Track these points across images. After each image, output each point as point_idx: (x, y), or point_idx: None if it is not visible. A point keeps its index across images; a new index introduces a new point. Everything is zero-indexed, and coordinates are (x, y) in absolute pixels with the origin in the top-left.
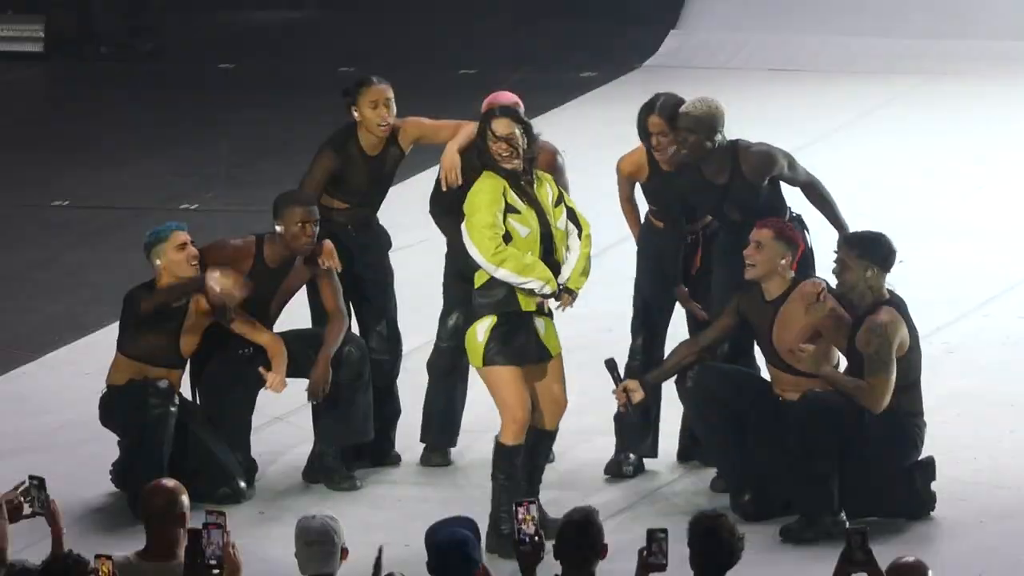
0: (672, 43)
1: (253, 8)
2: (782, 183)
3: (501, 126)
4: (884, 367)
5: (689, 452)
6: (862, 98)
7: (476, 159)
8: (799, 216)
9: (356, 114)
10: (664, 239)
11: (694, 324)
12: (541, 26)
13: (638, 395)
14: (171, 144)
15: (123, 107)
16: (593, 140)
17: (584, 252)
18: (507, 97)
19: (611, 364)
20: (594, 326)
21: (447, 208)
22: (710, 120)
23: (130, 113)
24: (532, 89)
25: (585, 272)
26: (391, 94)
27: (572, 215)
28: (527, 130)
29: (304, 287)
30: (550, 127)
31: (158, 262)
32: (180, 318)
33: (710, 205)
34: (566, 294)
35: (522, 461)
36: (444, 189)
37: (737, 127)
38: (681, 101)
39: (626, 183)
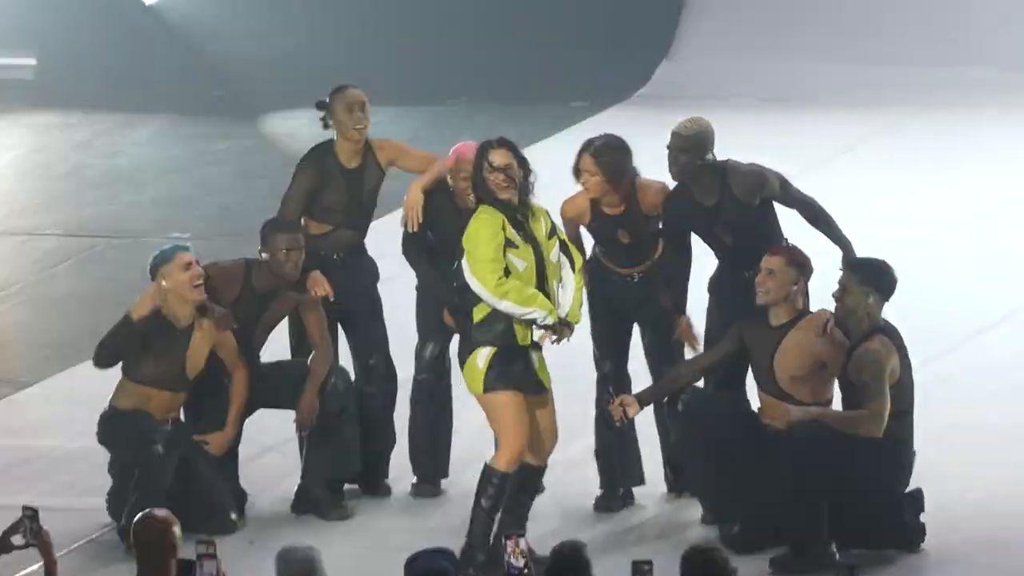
0: (663, 73)
1: (241, 37)
2: (778, 206)
3: (499, 156)
4: (880, 392)
5: (676, 482)
6: (853, 128)
7: (473, 191)
8: (794, 246)
9: (332, 123)
10: (613, 281)
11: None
12: (531, 55)
13: (633, 409)
14: (162, 171)
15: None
16: None
17: (579, 285)
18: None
19: (605, 379)
20: (580, 357)
21: (416, 245)
22: (701, 139)
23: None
24: (522, 119)
25: (582, 303)
26: (366, 99)
27: (564, 248)
28: (523, 163)
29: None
30: (540, 157)
31: (164, 283)
32: (186, 340)
33: (701, 228)
34: (564, 327)
35: (509, 495)
36: (403, 229)
37: (727, 156)
38: (618, 143)
39: (570, 226)
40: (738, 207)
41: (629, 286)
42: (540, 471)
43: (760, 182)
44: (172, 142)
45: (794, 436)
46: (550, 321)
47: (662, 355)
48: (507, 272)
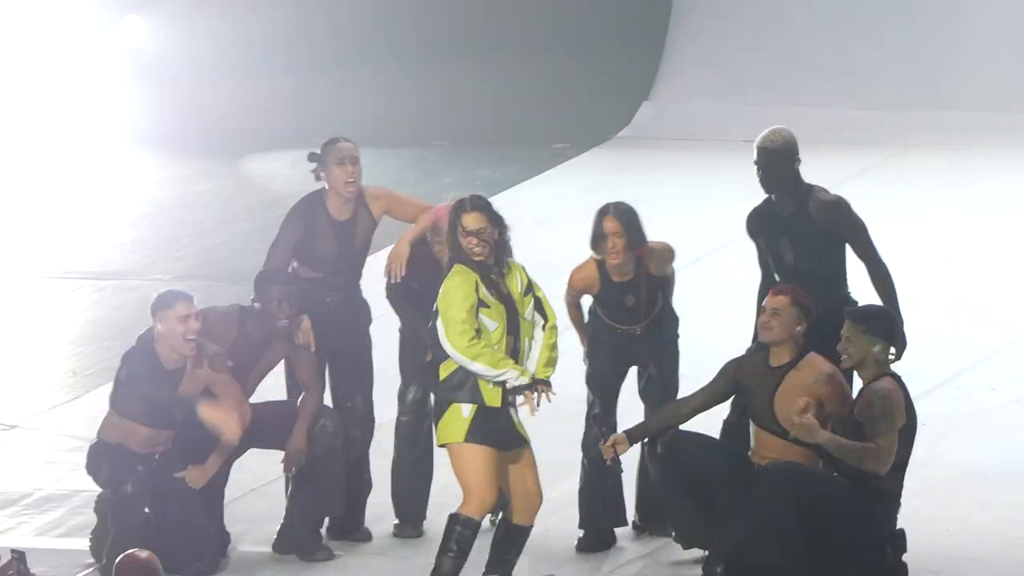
0: (645, 114)
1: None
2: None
3: (471, 220)
4: (889, 428)
5: (648, 519)
6: (835, 169)
7: (448, 251)
8: (856, 301)
9: (323, 175)
10: (616, 335)
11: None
12: (513, 97)
13: (624, 447)
14: (152, 211)
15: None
16: (565, 212)
17: (548, 342)
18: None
19: (596, 419)
20: (565, 397)
21: (400, 293)
22: (788, 149)
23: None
24: (505, 160)
25: (551, 363)
26: (358, 153)
27: (539, 306)
28: (497, 222)
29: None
30: (522, 199)
31: (159, 327)
32: (175, 381)
33: (770, 239)
34: (541, 384)
35: (494, 551)
36: (387, 279)
37: (710, 199)
38: (631, 207)
39: (574, 295)
40: (809, 225)
41: (632, 338)
42: (525, 530)
43: (837, 212)
44: (153, 183)
45: (772, 473)
46: (523, 382)
47: (659, 399)
48: (479, 333)
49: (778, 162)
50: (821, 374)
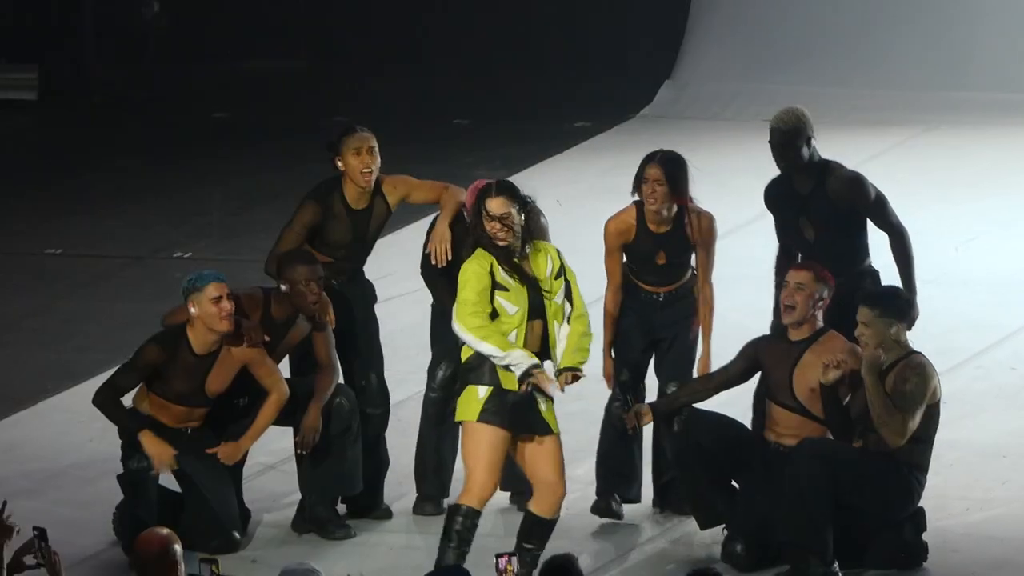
0: (666, 93)
1: (246, 58)
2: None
3: (495, 205)
4: (916, 405)
5: (663, 497)
6: (856, 149)
7: (470, 234)
8: (876, 271)
9: (340, 164)
10: (639, 297)
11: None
12: (535, 76)
13: (647, 418)
14: (164, 193)
15: (116, 155)
16: (586, 191)
17: (576, 330)
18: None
19: (623, 386)
20: (590, 378)
21: (438, 272)
22: (800, 128)
23: (123, 161)
24: (525, 139)
25: (580, 349)
26: (375, 143)
27: (568, 292)
28: (524, 206)
29: None
30: (543, 178)
31: (193, 310)
32: (207, 366)
33: (789, 217)
34: (567, 372)
35: (518, 542)
36: (433, 263)
37: (731, 178)
38: (680, 156)
39: (613, 240)
40: (827, 204)
41: (653, 303)
42: (546, 524)
43: (855, 188)
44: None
45: (803, 453)
46: (526, 366)
47: (673, 373)
48: (496, 315)
49: (790, 141)
50: (841, 351)
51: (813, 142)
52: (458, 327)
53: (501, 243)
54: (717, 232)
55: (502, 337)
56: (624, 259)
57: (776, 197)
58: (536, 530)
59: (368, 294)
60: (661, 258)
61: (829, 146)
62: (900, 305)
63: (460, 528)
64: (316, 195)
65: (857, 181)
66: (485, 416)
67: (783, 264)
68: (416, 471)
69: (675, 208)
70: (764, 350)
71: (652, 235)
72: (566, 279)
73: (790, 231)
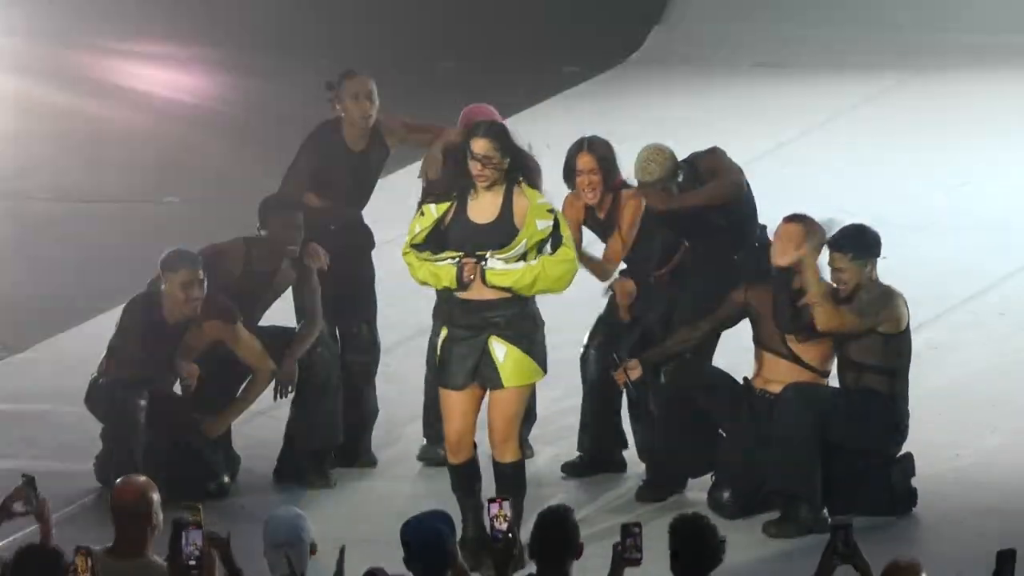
0: (656, 38)
1: None
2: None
3: (479, 146)
4: (864, 309)
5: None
6: (846, 93)
7: (452, 169)
8: (764, 226)
9: (338, 107)
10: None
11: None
12: (522, 20)
13: (636, 372)
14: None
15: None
16: (575, 137)
17: (528, 268)
18: (483, 111)
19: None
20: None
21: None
22: (672, 167)
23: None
24: (512, 84)
25: (508, 273)
26: (373, 87)
27: (556, 243)
28: (509, 151)
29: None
30: (531, 124)
31: (164, 286)
32: (176, 336)
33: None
34: (475, 263)
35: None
36: (419, 178)
37: (721, 122)
38: (607, 143)
39: (570, 217)
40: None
41: (649, 287)
42: (499, 467)
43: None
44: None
45: (789, 398)
46: (455, 261)
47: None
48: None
49: (664, 180)
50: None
51: (679, 178)
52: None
53: (481, 184)
54: (640, 212)
55: (429, 259)
56: None
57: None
58: (498, 478)
59: (366, 242)
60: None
61: (816, 90)
62: (869, 241)
63: (452, 486)
64: (316, 138)
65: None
66: (441, 378)
67: None
68: (424, 417)
69: (610, 195)
70: (753, 295)
71: (599, 222)
72: (562, 233)
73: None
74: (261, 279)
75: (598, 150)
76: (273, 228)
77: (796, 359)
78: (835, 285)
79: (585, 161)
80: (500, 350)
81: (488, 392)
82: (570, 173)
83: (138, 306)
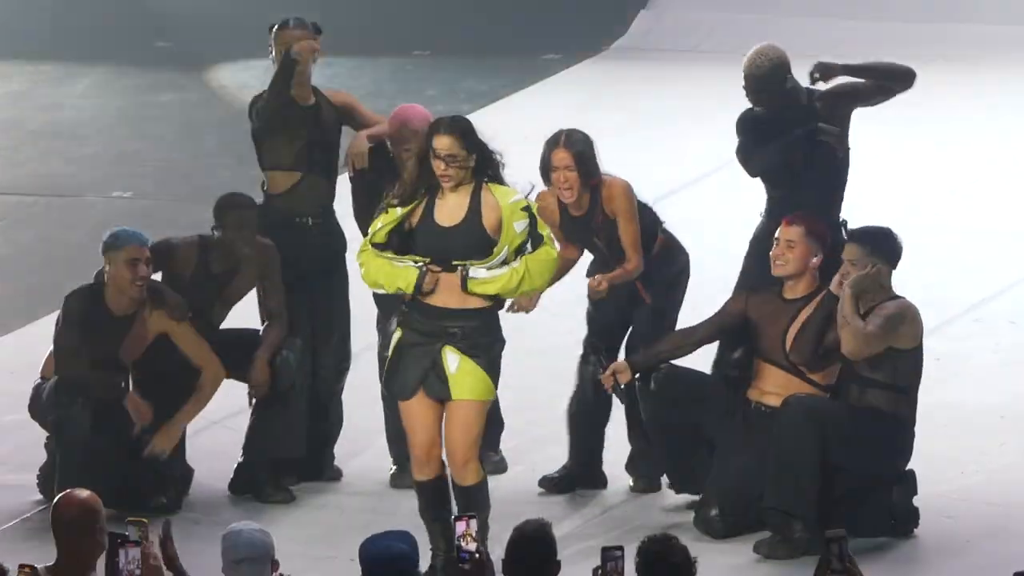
0: (641, 24)
1: None
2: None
3: (441, 144)
4: (885, 325)
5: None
6: None
7: (417, 166)
8: (845, 221)
9: (272, 57)
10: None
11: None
12: (499, 4)
13: (624, 376)
14: (107, 127)
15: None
16: (553, 128)
17: (513, 272)
18: (416, 111)
19: (595, 347)
20: (547, 332)
21: (360, 190)
22: (778, 72)
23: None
24: (490, 72)
25: (490, 281)
26: (316, 44)
27: (536, 242)
28: (474, 147)
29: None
30: (508, 113)
31: (107, 268)
32: (123, 328)
33: (786, 152)
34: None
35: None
36: (349, 175)
37: (708, 114)
38: (586, 138)
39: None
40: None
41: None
42: (459, 490)
43: (841, 93)
44: (115, 94)
45: (789, 412)
46: (417, 266)
47: (651, 331)
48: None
49: (770, 88)
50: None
51: (788, 83)
52: (357, 262)
53: (445, 184)
54: (634, 198)
55: (388, 260)
56: None
57: (759, 130)
58: (459, 500)
59: (339, 239)
60: (602, 240)
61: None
62: (891, 246)
63: (419, 506)
64: (260, 96)
65: (837, 89)
66: (391, 386)
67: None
68: (389, 439)
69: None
70: (754, 305)
71: (577, 220)
72: (532, 232)
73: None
74: (218, 281)
75: (575, 146)
76: (226, 226)
77: (798, 372)
78: (840, 278)
79: (561, 157)
80: (453, 361)
81: (445, 409)
82: (546, 170)
83: (80, 297)
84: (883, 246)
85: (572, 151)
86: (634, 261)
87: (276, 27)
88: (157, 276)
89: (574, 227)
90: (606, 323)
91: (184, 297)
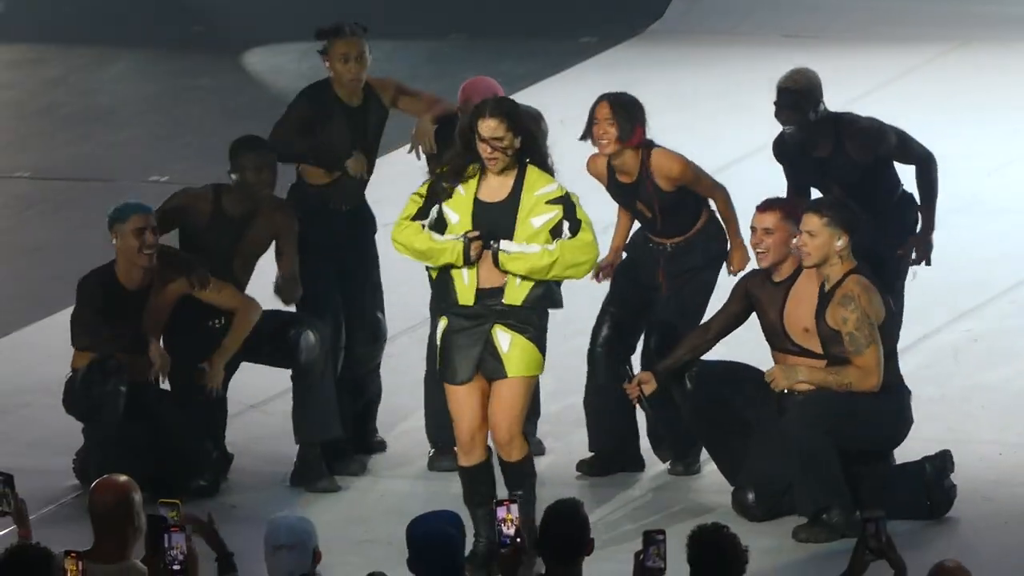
0: (679, 6)
1: None
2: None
3: (486, 128)
4: (869, 340)
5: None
6: (882, 67)
7: (462, 149)
8: (911, 195)
9: (327, 65)
10: (648, 247)
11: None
12: None
13: (650, 387)
14: (142, 112)
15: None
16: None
17: (545, 252)
18: (485, 84)
19: (617, 351)
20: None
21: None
22: (811, 93)
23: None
24: (526, 55)
25: (516, 260)
26: (364, 47)
27: (574, 226)
28: (519, 131)
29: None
30: (545, 96)
31: (115, 241)
32: (140, 302)
33: (812, 178)
34: (487, 247)
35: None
36: (417, 159)
37: (745, 97)
38: (633, 100)
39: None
40: (850, 165)
41: (660, 254)
42: (507, 466)
43: (876, 142)
44: (150, 79)
45: (792, 425)
46: (461, 241)
47: (664, 328)
48: (444, 227)
49: (803, 106)
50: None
51: (821, 107)
52: (393, 244)
53: (491, 168)
54: (690, 164)
55: (415, 234)
56: None
57: (791, 156)
58: (507, 476)
59: (371, 222)
60: (645, 210)
61: (857, 62)
62: (848, 216)
63: (464, 491)
64: (307, 92)
65: (876, 134)
66: (444, 373)
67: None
68: (427, 424)
69: (639, 155)
70: (755, 288)
71: (622, 185)
72: (578, 217)
73: (807, 187)
74: (235, 229)
75: (618, 99)
76: (241, 168)
77: (806, 352)
78: (799, 247)
79: (601, 108)
80: (504, 339)
81: (491, 386)
82: (588, 124)
83: (92, 279)
84: (841, 216)
85: (611, 103)
86: (720, 195)
87: (328, 35)
88: (174, 238)
89: (621, 192)
90: (625, 297)
91: (201, 248)
